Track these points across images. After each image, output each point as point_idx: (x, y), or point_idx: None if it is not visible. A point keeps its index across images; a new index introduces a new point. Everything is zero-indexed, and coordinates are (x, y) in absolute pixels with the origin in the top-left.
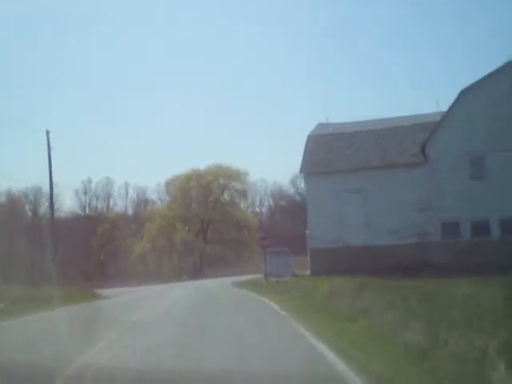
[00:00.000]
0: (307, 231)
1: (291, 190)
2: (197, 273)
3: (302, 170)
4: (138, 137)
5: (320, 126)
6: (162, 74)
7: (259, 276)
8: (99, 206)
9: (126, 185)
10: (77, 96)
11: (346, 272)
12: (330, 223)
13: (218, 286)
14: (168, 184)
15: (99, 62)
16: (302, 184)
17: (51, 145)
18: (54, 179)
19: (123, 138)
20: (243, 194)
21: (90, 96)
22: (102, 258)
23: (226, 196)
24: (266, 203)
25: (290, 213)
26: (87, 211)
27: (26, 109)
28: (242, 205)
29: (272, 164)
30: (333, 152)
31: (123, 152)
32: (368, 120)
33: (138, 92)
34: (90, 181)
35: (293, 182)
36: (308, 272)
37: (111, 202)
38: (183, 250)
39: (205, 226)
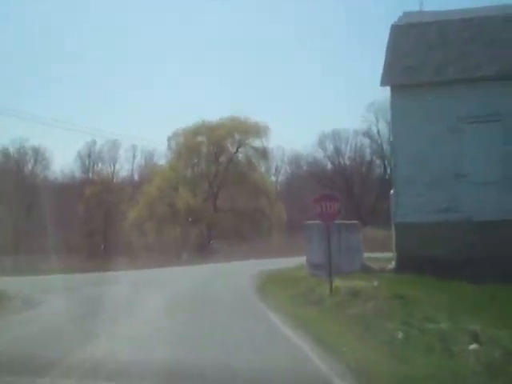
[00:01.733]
0: (391, 192)
1: (317, 154)
2: (203, 249)
3: (383, 81)
4: (151, 86)
5: (407, 15)
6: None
7: (294, 261)
8: (104, 171)
9: (134, 148)
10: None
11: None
12: (435, 179)
13: (238, 286)
14: (171, 139)
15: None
16: (331, 146)
17: None
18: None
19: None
20: (263, 153)
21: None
22: (87, 227)
23: (242, 155)
24: (282, 171)
25: (316, 182)
26: (90, 175)
27: None
28: (261, 167)
29: (289, 130)
30: (433, 53)
31: (132, 106)
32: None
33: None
34: (94, 142)
35: (320, 143)
36: (391, 265)
37: (117, 167)
38: (187, 219)
39: (215, 190)
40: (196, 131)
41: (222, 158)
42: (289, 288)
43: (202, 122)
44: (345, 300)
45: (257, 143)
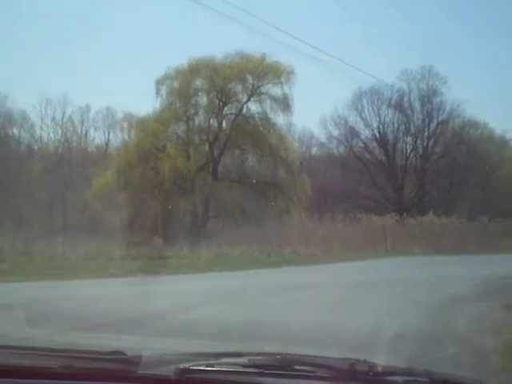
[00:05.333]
0: None
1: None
2: (196, 231)
3: None
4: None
5: None
6: None
7: None
8: (98, 140)
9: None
10: None
11: None
12: None
13: None
14: (160, 83)
15: None
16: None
17: None
18: None
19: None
20: (284, 104)
21: None
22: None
23: (256, 107)
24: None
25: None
26: (82, 145)
27: None
28: (282, 122)
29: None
30: None
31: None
32: None
33: None
34: (88, 108)
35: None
36: None
37: (111, 136)
38: (176, 189)
39: (216, 152)
40: (193, 72)
41: (228, 110)
42: None
43: (202, 59)
44: None
45: (276, 91)
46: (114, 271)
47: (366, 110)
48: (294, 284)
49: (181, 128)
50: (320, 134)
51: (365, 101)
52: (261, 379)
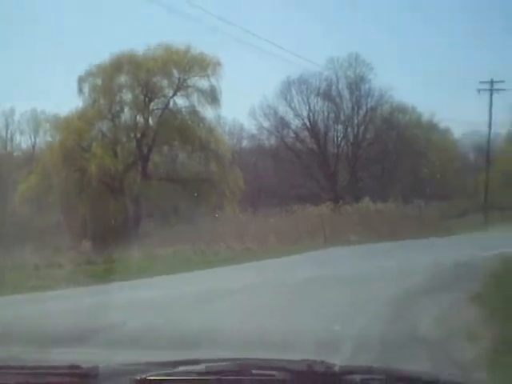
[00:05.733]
0: None
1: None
2: (127, 234)
3: None
4: None
5: None
6: None
7: None
8: (24, 144)
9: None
10: None
11: None
12: None
13: None
14: (83, 80)
15: None
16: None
17: None
18: None
19: None
20: (212, 97)
21: None
22: None
23: (183, 101)
24: None
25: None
26: (8, 149)
27: None
28: (209, 115)
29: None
30: None
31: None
32: None
33: None
34: (12, 112)
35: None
36: None
37: (38, 139)
38: (104, 189)
39: (144, 150)
40: (116, 67)
41: (155, 105)
42: None
43: (124, 54)
44: None
45: (203, 83)
46: (35, 283)
47: (295, 100)
48: (230, 288)
49: (106, 126)
50: (250, 126)
51: (294, 90)
52: None
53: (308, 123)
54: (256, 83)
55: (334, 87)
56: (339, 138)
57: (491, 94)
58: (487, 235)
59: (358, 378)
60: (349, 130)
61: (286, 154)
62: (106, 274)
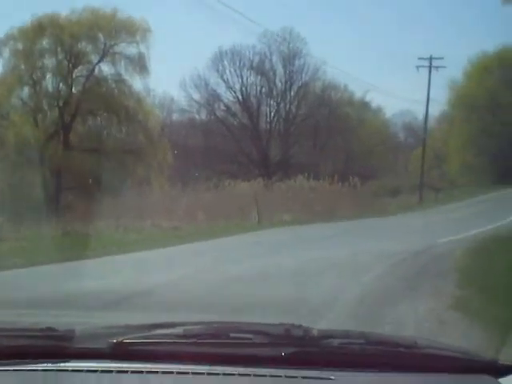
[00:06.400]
0: None
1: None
2: (46, 209)
3: None
4: None
5: None
6: None
7: None
8: None
9: None
10: None
11: None
12: None
13: None
14: (3, 43)
15: None
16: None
17: None
18: None
19: None
20: (140, 65)
21: None
22: None
23: (109, 68)
24: None
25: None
26: None
27: None
28: (137, 85)
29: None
30: None
31: None
32: None
33: None
34: None
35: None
36: None
37: None
38: (23, 161)
39: (66, 119)
40: (38, 31)
41: (79, 72)
42: None
43: (46, 16)
44: None
45: (131, 50)
46: None
47: (227, 72)
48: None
49: (27, 93)
50: (180, 98)
51: (226, 62)
52: (196, 349)
53: (240, 97)
54: (188, 53)
55: (267, 61)
56: (272, 114)
57: (430, 71)
58: (427, 218)
59: (336, 342)
60: (281, 105)
61: (217, 128)
62: (7, 254)
